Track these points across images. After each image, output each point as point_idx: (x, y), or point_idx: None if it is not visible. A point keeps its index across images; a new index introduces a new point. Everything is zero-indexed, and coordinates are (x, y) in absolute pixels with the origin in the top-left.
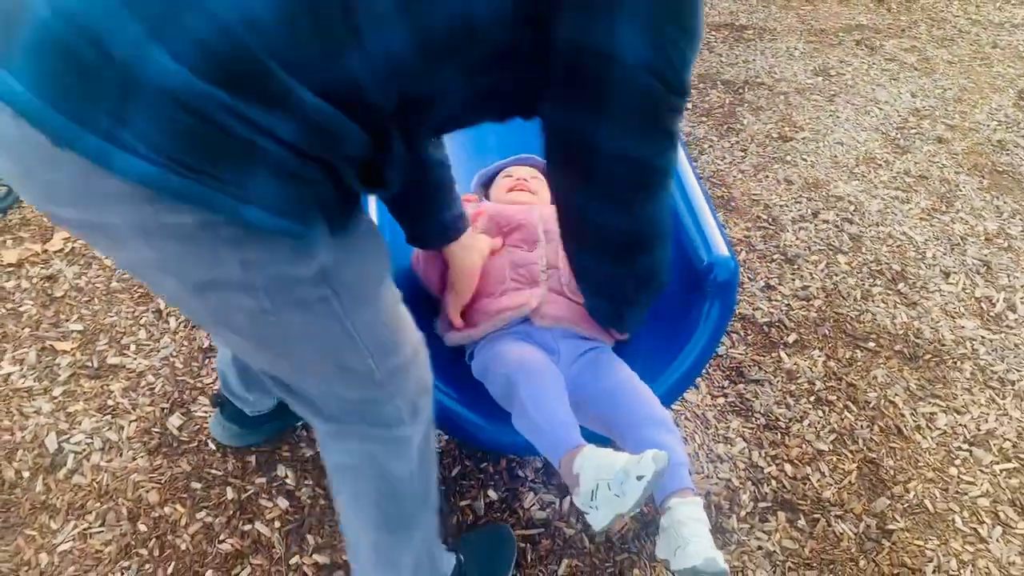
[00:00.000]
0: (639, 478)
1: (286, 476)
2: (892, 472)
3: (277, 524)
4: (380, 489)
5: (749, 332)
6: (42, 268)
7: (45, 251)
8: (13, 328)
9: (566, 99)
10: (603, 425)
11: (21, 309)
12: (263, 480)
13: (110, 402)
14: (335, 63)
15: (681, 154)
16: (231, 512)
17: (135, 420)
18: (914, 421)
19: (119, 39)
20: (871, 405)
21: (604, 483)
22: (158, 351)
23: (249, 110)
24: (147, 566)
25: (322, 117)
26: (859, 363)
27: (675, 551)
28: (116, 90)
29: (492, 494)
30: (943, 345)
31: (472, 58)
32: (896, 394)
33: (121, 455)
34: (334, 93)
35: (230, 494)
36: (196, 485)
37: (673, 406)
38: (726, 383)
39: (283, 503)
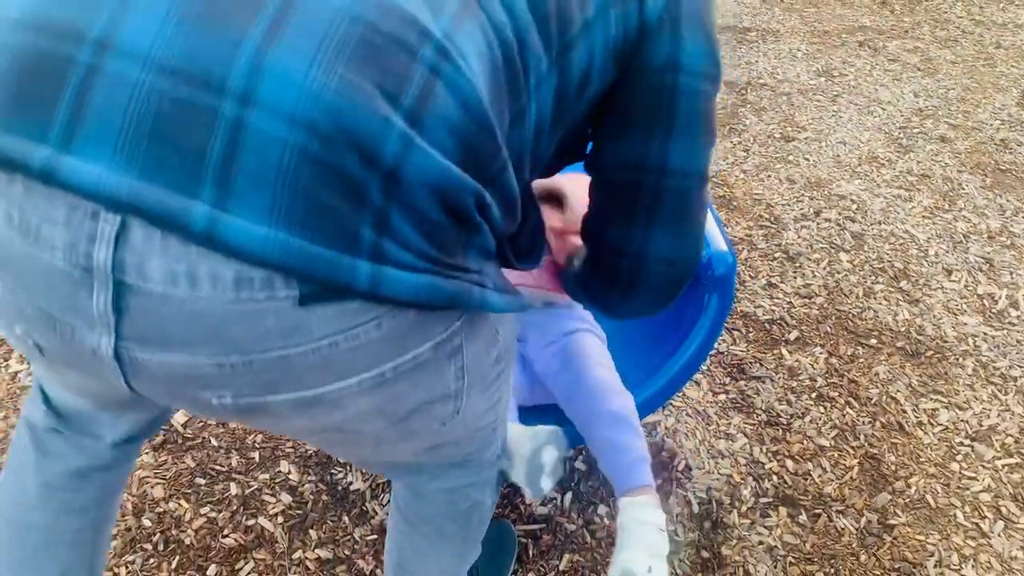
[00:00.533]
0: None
1: (289, 472)
2: (894, 468)
3: (280, 519)
4: (470, 522)
5: (751, 329)
6: None
7: None
8: None
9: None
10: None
11: None
12: (266, 476)
13: None
14: (514, 129)
15: None
16: (235, 507)
17: None
18: (916, 417)
19: (385, 137)
20: (873, 401)
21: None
22: None
23: (484, 193)
24: (151, 560)
25: (509, 191)
26: (861, 360)
27: (615, 553)
28: (379, 197)
29: None
30: (945, 342)
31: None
32: (898, 390)
33: None
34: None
35: (234, 489)
36: (200, 481)
37: (674, 402)
38: (727, 380)
39: (286, 498)
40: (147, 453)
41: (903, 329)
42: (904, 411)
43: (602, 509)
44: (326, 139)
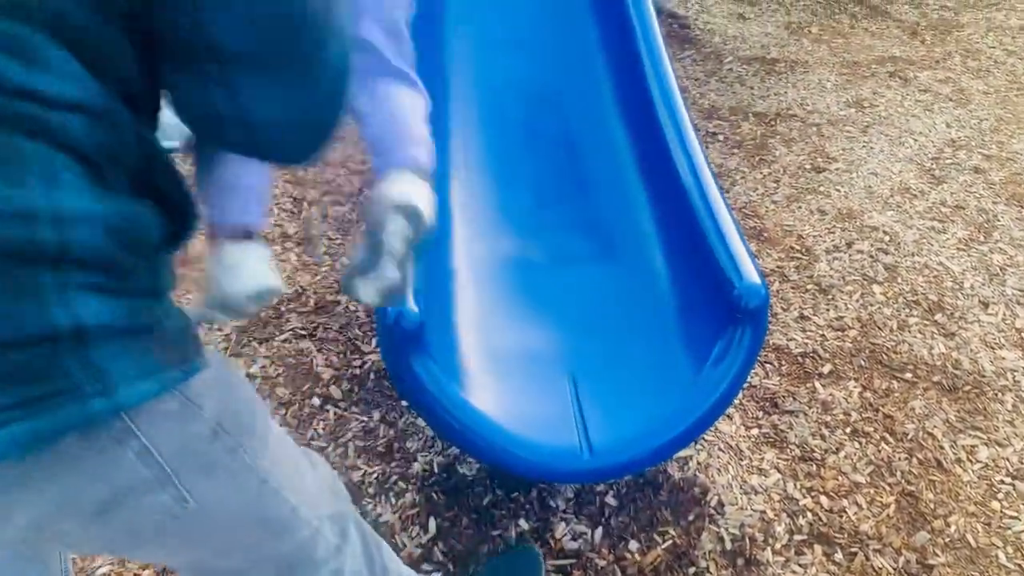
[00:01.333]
0: None
1: None
2: (932, 505)
3: None
4: None
5: (783, 362)
6: None
7: None
8: None
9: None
10: None
11: None
12: None
13: None
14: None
15: (712, 184)
16: None
17: None
18: (954, 454)
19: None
20: (909, 437)
21: None
22: None
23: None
24: None
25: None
26: (896, 394)
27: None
28: None
29: (523, 524)
30: (983, 376)
31: None
32: (935, 426)
33: None
34: None
35: None
36: None
37: (706, 436)
38: (760, 414)
39: None
40: None
41: (939, 363)
42: (942, 447)
43: (633, 545)
44: None
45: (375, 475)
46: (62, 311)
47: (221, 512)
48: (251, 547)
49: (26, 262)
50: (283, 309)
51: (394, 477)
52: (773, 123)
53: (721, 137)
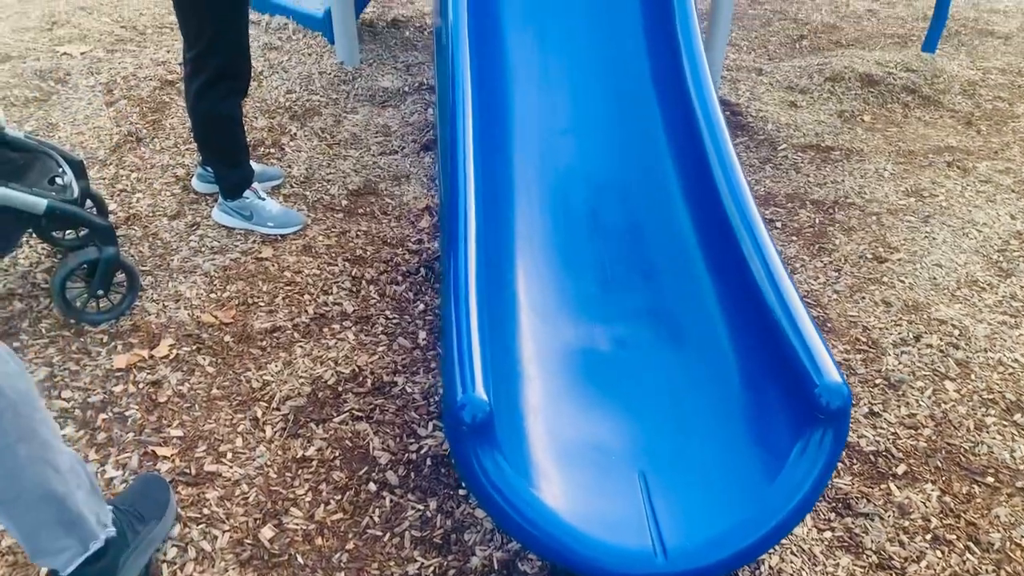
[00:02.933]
0: None
1: None
2: None
3: None
4: None
5: (855, 461)
6: (148, 373)
7: (152, 356)
8: (118, 432)
9: None
10: None
11: (127, 414)
12: None
13: (205, 511)
14: None
15: (783, 274)
16: None
17: (228, 530)
18: None
19: None
20: (995, 547)
21: None
22: (253, 460)
23: None
24: None
25: None
26: (978, 499)
27: None
28: None
29: None
30: None
31: None
32: (1022, 536)
33: (214, 566)
34: None
35: None
36: None
37: None
38: (832, 515)
39: None
40: (234, 569)
41: (1022, 467)
42: None
43: None
44: None
45: (432, 568)
46: None
47: None
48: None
49: None
50: (340, 390)
51: (451, 572)
52: (831, 211)
53: (779, 224)
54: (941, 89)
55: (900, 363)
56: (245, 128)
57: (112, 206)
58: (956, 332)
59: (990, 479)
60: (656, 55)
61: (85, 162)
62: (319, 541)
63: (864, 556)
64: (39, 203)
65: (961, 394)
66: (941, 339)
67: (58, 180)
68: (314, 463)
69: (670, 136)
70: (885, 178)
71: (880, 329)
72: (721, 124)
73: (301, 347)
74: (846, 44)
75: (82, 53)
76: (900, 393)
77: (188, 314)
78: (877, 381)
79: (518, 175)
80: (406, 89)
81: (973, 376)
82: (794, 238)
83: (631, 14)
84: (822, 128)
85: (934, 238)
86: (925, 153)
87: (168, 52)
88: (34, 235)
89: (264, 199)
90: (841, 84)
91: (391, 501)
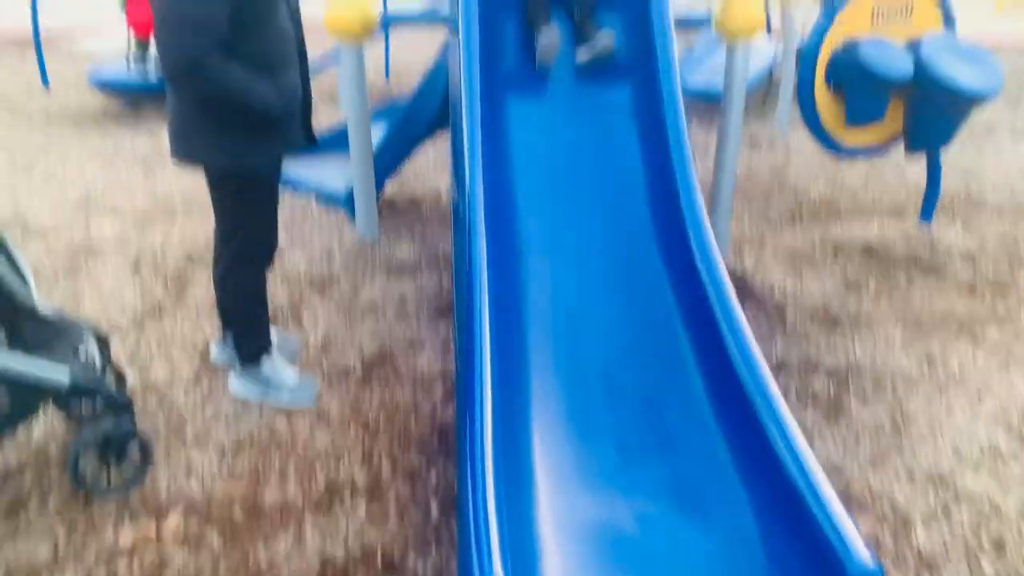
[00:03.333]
0: None
1: None
2: None
3: None
4: None
5: None
6: (153, 554)
7: (159, 531)
8: None
9: None
10: None
11: None
12: None
13: None
14: None
15: (804, 445)
16: None
17: None
18: None
19: None
20: None
21: None
22: None
23: None
24: None
25: None
26: None
27: None
28: None
29: None
30: None
31: None
32: None
33: None
34: None
35: None
36: None
37: None
38: None
39: None
40: None
41: None
42: None
43: None
44: None
45: None
46: None
47: None
48: None
49: None
50: (350, 571)
51: None
52: (845, 379)
53: (793, 393)
54: (942, 258)
55: (930, 539)
56: (267, 295)
57: (131, 375)
58: (987, 506)
59: None
60: (660, 227)
61: (108, 334)
62: None
63: None
64: (63, 377)
65: (998, 573)
66: (972, 513)
67: (82, 354)
68: None
69: (681, 302)
70: (897, 346)
71: (906, 502)
72: (729, 291)
73: (311, 521)
74: (844, 214)
75: (114, 229)
76: (935, 572)
77: (199, 486)
78: (909, 559)
79: (532, 339)
80: (422, 260)
81: (1009, 552)
82: (809, 407)
83: (637, 190)
84: (829, 296)
85: (951, 407)
86: (933, 320)
87: (195, 230)
88: (52, 404)
89: (280, 367)
90: (843, 253)
91: None
